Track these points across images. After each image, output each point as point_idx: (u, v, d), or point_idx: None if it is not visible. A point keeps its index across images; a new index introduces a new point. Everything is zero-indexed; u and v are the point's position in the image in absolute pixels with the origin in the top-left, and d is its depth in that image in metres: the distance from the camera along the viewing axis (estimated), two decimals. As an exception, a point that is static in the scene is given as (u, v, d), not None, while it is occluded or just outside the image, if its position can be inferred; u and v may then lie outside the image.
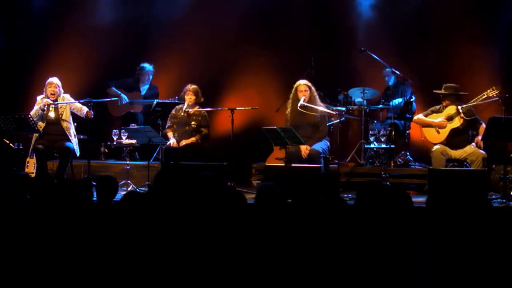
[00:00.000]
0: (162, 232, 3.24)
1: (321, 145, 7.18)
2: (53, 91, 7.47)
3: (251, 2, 9.15)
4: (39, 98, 7.58)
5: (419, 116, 7.25)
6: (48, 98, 7.45)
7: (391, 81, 8.36)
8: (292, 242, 3.06)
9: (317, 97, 7.37)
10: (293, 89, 7.41)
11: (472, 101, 6.96)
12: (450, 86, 7.11)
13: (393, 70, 8.05)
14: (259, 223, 3.29)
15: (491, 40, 8.46)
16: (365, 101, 7.99)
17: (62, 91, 7.58)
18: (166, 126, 7.81)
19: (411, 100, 7.86)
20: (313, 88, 7.36)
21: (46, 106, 7.41)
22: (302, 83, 7.36)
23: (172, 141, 7.51)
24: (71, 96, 7.68)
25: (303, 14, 9.04)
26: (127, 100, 8.56)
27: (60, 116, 7.48)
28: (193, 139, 7.55)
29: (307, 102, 7.23)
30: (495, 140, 6.76)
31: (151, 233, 3.22)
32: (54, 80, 7.54)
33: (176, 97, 8.33)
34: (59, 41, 9.17)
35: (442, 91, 7.10)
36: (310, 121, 7.26)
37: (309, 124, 7.27)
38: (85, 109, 7.43)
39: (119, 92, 8.59)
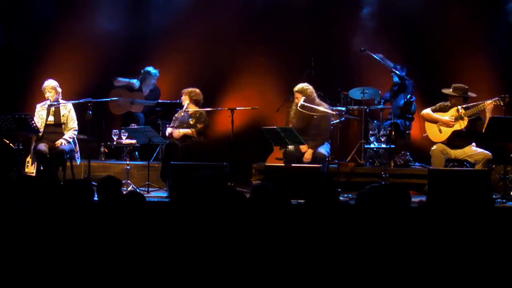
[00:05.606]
0: (162, 232, 3.25)
1: (325, 148, 7.16)
2: (50, 92, 7.44)
3: (251, 2, 9.17)
4: (38, 106, 7.56)
5: (427, 111, 6.98)
6: (47, 100, 7.45)
7: (395, 77, 8.27)
8: (289, 242, 3.06)
9: (315, 98, 7.26)
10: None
11: (474, 104, 6.82)
12: (458, 87, 6.83)
13: (393, 70, 8.05)
14: (254, 223, 3.29)
15: (492, 40, 8.48)
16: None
17: (60, 90, 7.53)
18: (169, 125, 7.87)
19: (411, 100, 7.85)
20: (308, 90, 7.19)
21: (46, 109, 7.41)
22: (294, 90, 7.27)
23: (170, 130, 7.60)
24: (71, 97, 7.68)
25: (303, 14, 9.05)
26: (138, 85, 8.54)
27: (60, 119, 7.46)
28: (189, 131, 7.55)
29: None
30: (495, 140, 6.71)
31: (150, 233, 3.23)
32: (47, 83, 7.48)
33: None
34: (59, 41, 9.16)
35: (450, 91, 6.84)
36: (311, 123, 7.21)
37: (310, 126, 7.21)
38: (69, 127, 7.41)
39: (128, 79, 8.57)
